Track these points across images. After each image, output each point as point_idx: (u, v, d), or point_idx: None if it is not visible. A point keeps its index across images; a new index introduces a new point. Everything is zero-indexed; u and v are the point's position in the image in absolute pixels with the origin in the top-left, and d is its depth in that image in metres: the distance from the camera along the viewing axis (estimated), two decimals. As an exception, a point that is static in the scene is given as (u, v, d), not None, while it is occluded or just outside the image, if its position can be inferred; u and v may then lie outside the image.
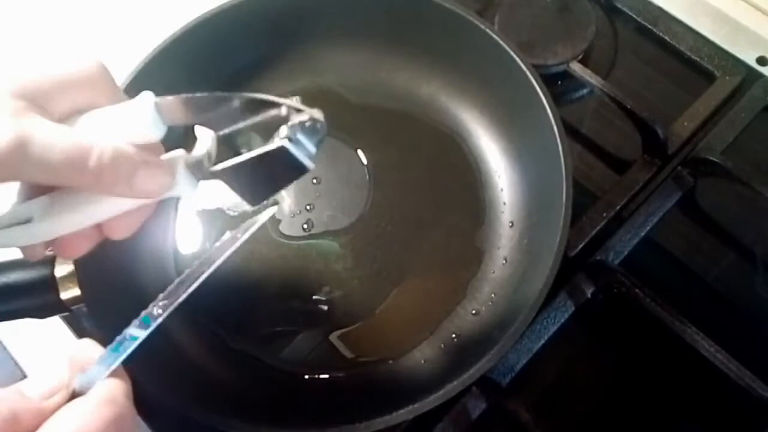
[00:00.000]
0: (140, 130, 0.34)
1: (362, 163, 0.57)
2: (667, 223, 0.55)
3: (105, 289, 0.47)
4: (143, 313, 0.33)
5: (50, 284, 0.46)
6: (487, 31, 0.52)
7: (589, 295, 0.52)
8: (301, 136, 0.32)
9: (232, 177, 0.34)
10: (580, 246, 0.54)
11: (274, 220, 0.55)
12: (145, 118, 0.34)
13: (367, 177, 0.57)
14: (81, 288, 0.46)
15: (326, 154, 0.58)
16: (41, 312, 0.48)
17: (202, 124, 0.35)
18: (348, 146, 0.58)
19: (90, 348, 0.33)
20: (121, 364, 0.32)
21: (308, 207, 0.56)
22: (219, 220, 0.56)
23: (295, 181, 0.34)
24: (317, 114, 0.33)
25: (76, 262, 0.46)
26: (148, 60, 0.52)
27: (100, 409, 0.30)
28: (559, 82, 0.62)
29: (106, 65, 0.35)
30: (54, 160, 0.31)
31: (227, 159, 0.34)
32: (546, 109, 0.49)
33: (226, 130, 0.34)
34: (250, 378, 0.51)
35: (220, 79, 0.56)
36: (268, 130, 0.33)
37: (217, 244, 0.35)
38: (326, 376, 0.51)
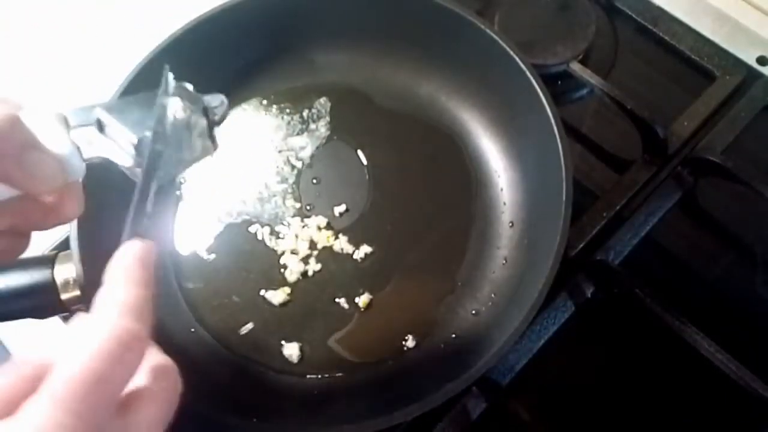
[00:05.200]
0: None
1: (362, 163, 0.57)
2: (667, 223, 0.55)
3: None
4: None
5: (51, 285, 0.46)
6: (487, 31, 0.52)
7: (589, 295, 0.52)
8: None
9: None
10: (580, 246, 0.54)
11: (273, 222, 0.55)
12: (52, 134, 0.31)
13: (367, 177, 0.57)
14: (81, 289, 0.46)
15: (326, 154, 0.58)
16: (42, 312, 0.48)
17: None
18: (348, 146, 0.58)
19: None
20: None
21: (308, 207, 0.56)
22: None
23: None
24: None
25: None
26: (149, 59, 0.52)
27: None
28: (559, 82, 0.62)
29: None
30: None
31: None
32: (546, 109, 0.49)
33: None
34: (250, 378, 0.51)
35: (221, 78, 0.56)
36: None
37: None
38: (326, 376, 0.51)
